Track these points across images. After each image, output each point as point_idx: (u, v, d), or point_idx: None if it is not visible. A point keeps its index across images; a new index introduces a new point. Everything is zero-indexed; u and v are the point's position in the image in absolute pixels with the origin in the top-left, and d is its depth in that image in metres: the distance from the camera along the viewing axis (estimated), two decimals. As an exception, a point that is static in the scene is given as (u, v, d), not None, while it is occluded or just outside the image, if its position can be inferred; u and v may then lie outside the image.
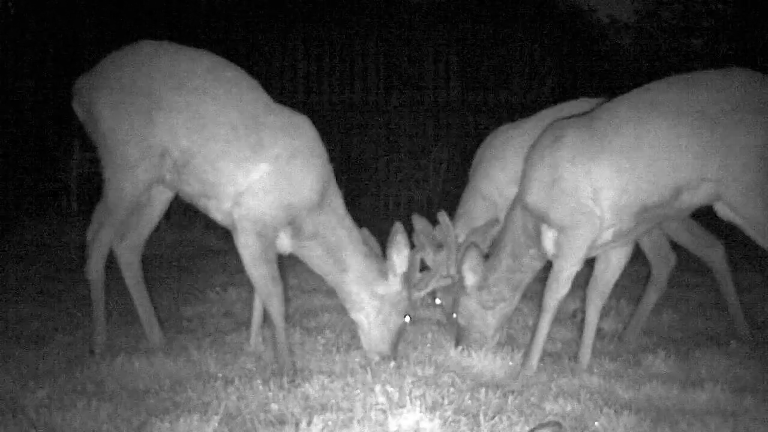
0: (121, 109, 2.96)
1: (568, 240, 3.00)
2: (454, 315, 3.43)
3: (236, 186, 2.99)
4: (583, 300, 3.30)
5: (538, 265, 3.28)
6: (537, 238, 3.15)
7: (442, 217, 3.36)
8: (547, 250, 3.14)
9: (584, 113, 3.18)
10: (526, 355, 3.09)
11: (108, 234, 3.09)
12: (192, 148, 2.97)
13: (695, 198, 2.91)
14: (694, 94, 2.87)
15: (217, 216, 3.11)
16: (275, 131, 3.03)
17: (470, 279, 3.30)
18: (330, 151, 3.25)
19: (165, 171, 3.04)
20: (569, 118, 3.21)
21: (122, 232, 3.22)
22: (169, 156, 2.99)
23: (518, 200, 3.21)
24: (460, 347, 3.31)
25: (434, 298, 3.74)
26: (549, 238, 3.11)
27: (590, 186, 2.94)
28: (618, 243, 3.13)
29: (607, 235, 3.04)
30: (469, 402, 2.62)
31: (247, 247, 3.00)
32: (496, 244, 3.35)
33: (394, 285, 3.22)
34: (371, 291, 3.21)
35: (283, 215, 3.04)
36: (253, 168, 2.98)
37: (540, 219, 3.10)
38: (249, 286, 4.35)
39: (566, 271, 3.03)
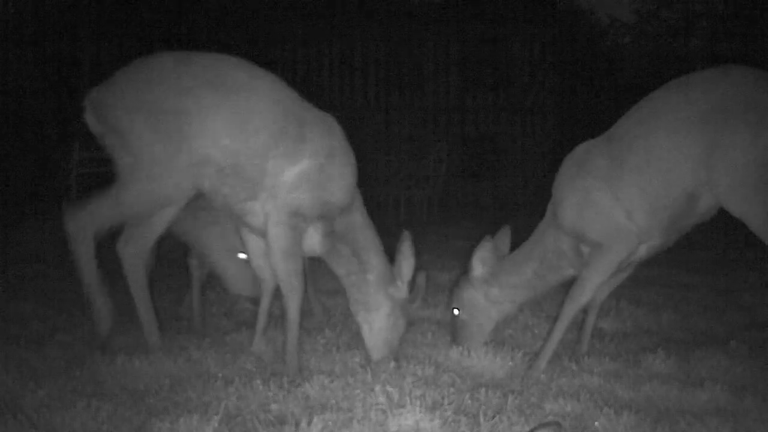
0: (161, 128, 2.84)
1: (602, 254, 3.03)
2: (455, 310, 3.43)
3: (276, 179, 2.96)
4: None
5: (560, 279, 3.32)
6: (574, 256, 3.19)
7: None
8: (584, 263, 3.17)
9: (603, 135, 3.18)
10: (536, 357, 3.11)
11: (99, 224, 2.95)
12: (238, 152, 2.89)
13: (715, 200, 2.90)
14: (687, 97, 2.87)
15: (256, 220, 3.05)
16: (316, 128, 3.04)
17: (478, 269, 3.34)
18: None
19: (204, 179, 2.95)
20: (589, 141, 3.21)
21: (128, 237, 3.17)
22: (210, 164, 2.91)
23: (551, 223, 3.24)
24: (460, 348, 3.31)
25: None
26: (587, 253, 3.15)
27: (622, 208, 2.98)
28: (651, 256, 3.17)
29: (642, 251, 3.09)
30: (469, 402, 2.62)
31: (280, 239, 2.98)
32: (522, 255, 3.35)
33: (402, 291, 3.25)
34: (386, 293, 3.23)
35: (318, 209, 3.03)
36: (296, 162, 2.97)
37: (577, 239, 3.14)
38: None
39: (592, 281, 3.05)
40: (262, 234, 3.08)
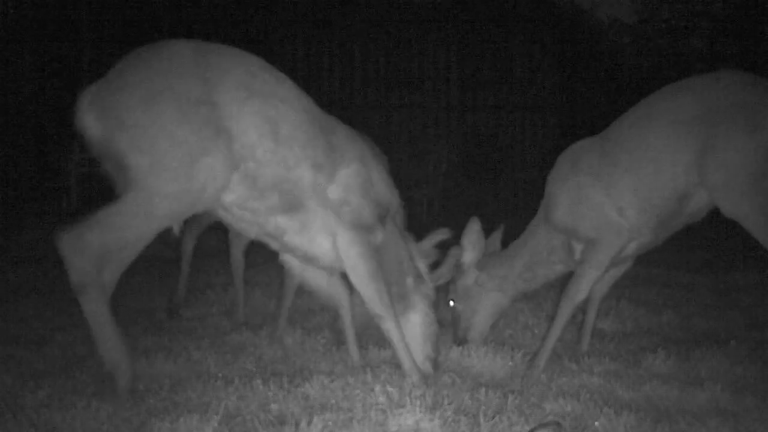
0: (192, 117, 2.46)
1: (596, 250, 3.06)
2: (450, 302, 3.45)
3: (325, 194, 2.78)
4: (584, 300, 3.32)
5: (549, 274, 3.35)
6: (564, 252, 3.23)
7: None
8: (576, 260, 3.21)
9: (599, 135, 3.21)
10: (535, 356, 3.12)
11: (99, 241, 2.51)
12: (272, 158, 2.62)
13: (704, 201, 2.93)
14: (682, 100, 2.91)
15: (327, 258, 2.90)
16: (347, 132, 2.95)
17: (469, 253, 3.39)
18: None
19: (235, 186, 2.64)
20: (583, 140, 3.26)
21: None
22: (240, 171, 2.60)
23: (543, 219, 3.28)
24: (460, 347, 3.31)
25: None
26: (579, 250, 3.18)
27: (613, 205, 3.02)
28: (640, 253, 3.20)
29: (631, 248, 3.12)
30: (469, 402, 2.62)
31: (361, 260, 2.83)
32: (512, 250, 3.41)
33: (430, 289, 3.25)
34: (419, 289, 3.16)
35: (376, 211, 2.91)
36: (336, 172, 2.79)
37: (569, 236, 3.18)
38: (250, 287, 4.35)
39: (588, 277, 3.07)
40: (331, 269, 2.97)
